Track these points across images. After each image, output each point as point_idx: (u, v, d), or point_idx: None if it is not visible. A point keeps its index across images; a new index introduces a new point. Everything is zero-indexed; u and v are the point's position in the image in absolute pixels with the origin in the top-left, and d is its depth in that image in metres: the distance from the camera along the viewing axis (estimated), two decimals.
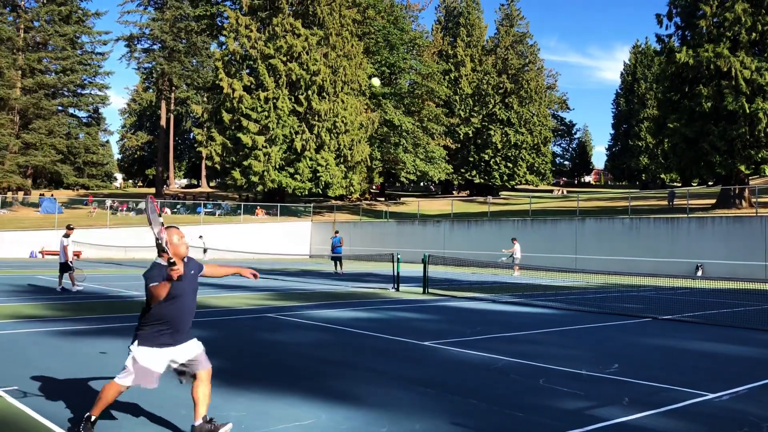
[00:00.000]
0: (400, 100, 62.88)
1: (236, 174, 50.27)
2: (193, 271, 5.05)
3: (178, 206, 53.29)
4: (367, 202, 62.06)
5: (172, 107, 79.11)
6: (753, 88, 33.89)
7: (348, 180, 53.02)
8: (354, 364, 8.34)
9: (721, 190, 38.08)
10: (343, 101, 51.77)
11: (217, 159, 51.68)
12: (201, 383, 5.04)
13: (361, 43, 56.20)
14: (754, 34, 34.96)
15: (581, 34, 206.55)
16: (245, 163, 49.50)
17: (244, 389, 6.78)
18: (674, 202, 40.83)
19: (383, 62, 60.89)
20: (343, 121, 51.34)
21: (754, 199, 34.75)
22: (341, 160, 52.46)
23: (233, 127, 50.63)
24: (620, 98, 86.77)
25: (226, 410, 5.92)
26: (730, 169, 35.71)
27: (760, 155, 34.40)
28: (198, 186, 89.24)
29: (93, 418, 4.97)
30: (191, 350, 5.06)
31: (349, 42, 53.46)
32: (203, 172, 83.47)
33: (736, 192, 36.40)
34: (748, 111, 33.39)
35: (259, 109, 49.47)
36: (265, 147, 49.42)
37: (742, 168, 35.20)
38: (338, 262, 28.01)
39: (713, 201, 39.28)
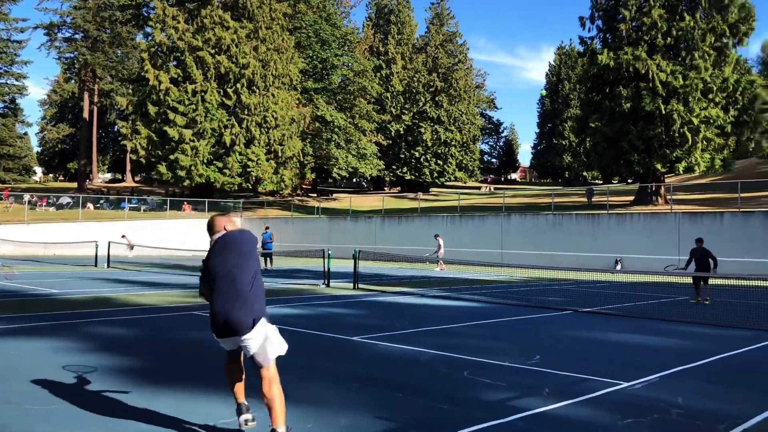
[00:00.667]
0: (332, 95, 62.71)
1: (162, 168, 48.99)
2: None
3: (102, 201, 51.49)
4: (299, 198, 61.66)
5: (96, 99, 76.31)
6: (668, 90, 35.48)
7: (279, 175, 52.51)
8: (281, 361, 8.30)
9: (639, 187, 39.72)
10: (273, 95, 51.21)
11: (142, 153, 50.22)
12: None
13: (292, 38, 55.70)
14: (669, 39, 36.59)
15: (509, 35, 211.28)
16: (172, 157, 48.30)
17: (168, 388, 6.67)
18: (593, 200, 42.28)
19: (315, 57, 60.57)
20: (273, 116, 50.79)
21: (669, 197, 36.45)
22: (272, 156, 51.89)
23: (159, 120, 49.31)
24: (545, 98, 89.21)
25: (152, 408, 5.81)
26: (648, 167, 37.29)
27: (674, 154, 36.06)
28: (123, 180, 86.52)
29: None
30: None
31: (280, 36, 52.90)
32: (128, 166, 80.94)
33: (653, 189, 38.05)
34: (664, 112, 34.94)
35: (187, 102, 48.36)
36: (193, 141, 48.37)
37: (659, 166, 36.81)
38: (268, 259, 27.75)
39: (632, 198, 40.94)
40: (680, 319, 13.14)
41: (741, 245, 25.65)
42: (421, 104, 72.95)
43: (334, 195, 69.09)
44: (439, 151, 72.84)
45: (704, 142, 36.02)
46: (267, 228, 29.63)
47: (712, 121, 35.69)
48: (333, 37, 61.33)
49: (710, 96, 35.79)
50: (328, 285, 19.46)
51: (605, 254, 29.39)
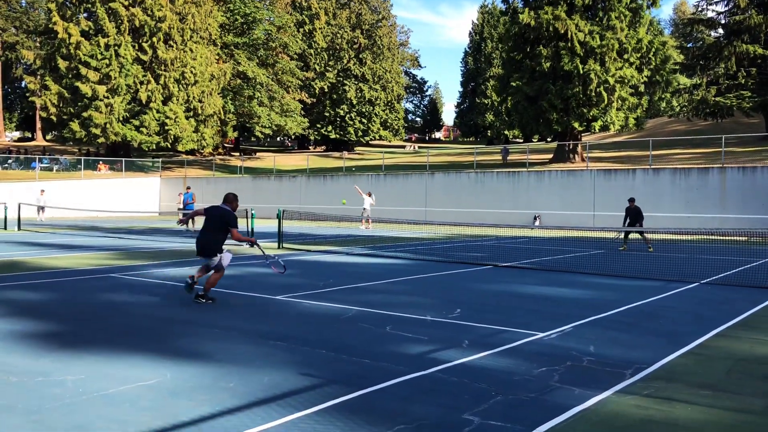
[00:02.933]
0: (253, 51, 61.06)
1: (75, 126, 46.75)
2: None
3: (10, 161, 48.75)
4: (221, 157, 60.27)
5: (0, 52, 71.60)
6: (586, 50, 36.36)
7: (199, 134, 51.06)
8: (203, 321, 8.22)
9: (557, 146, 40.88)
10: (191, 50, 49.42)
11: (53, 110, 47.71)
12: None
13: None
14: None
15: None
16: (85, 114, 46.12)
17: (85, 352, 6.48)
18: (512, 158, 43.26)
19: (235, 11, 58.63)
20: (192, 72, 49.10)
21: (585, 154, 37.69)
22: (191, 113, 50.32)
23: (71, 76, 46.83)
24: (468, 57, 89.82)
25: (62, 375, 5.65)
26: (566, 126, 38.36)
27: (591, 113, 37.19)
28: (33, 139, 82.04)
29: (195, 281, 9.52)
30: None
31: None
32: (38, 124, 76.72)
33: (571, 147, 39.24)
34: (581, 72, 35.85)
35: (99, 57, 46.05)
36: (107, 97, 46.27)
37: (576, 125, 37.91)
38: (190, 219, 27.11)
39: (551, 156, 42.11)
40: (594, 271, 13.75)
41: (651, 201, 26.91)
42: (345, 61, 72.11)
43: (258, 154, 67.93)
44: (364, 110, 72.50)
45: (619, 102, 37.26)
46: (188, 188, 28.91)
47: (626, 80, 36.91)
48: None
49: (625, 56, 36.92)
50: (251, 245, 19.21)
51: (525, 211, 30.26)
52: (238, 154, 67.88)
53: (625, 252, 18.42)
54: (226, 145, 67.90)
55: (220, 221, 9.29)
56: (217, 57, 54.41)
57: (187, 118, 49.69)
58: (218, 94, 52.72)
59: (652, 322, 8.38)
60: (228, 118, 57.12)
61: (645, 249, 18.63)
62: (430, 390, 5.38)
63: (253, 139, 77.74)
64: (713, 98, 42.92)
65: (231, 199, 9.56)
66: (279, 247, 18.60)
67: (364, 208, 29.13)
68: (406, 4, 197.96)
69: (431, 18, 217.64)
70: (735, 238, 23.31)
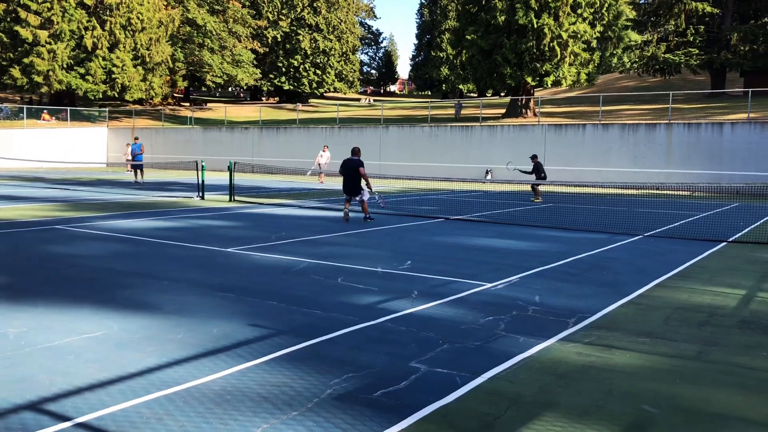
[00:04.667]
0: None
1: (16, 72, 44.68)
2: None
3: None
4: (170, 107, 58.67)
5: None
6: (540, 3, 36.21)
7: (147, 83, 49.45)
8: (152, 273, 8.12)
9: (510, 100, 41.04)
10: None
11: None
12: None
13: None
14: None
15: None
16: (26, 60, 44.05)
17: (27, 305, 6.35)
18: (464, 113, 43.27)
19: None
20: (139, 18, 47.22)
21: (537, 109, 37.98)
22: (139, 61, 48.61)
23: (9, 19, 44.50)
24: (424, 9, 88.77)
25: (3, 327, 5.53)
26: (519, 80, 38.42)
27: (544, 68, 37.29)
28: None
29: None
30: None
31: None
32: None
33: (523, 102, 39.44)
34: (535, 26, 35.80)
35: (40, 0, 43.86)
36: (50, 43, 44.24)
37: (529, 80, 38.01)
38: (138, 171, 26.51)
39: (503, 111, 42.30)
40: (541, 224, 14.02)
41: (600, 156, 27.42)
42: (298, 10, 70.39)
43: (209, 105, 66.37)
44: (318, 61, 71.20)
45: (572, 57, 37.43)
46: (137, 139, 28.14)
47: (579, 36, 37.02)
48: None
49: (579, 11, 36.96)
50: (202, 198, 18.96)
51: (477, 165, 30.48)
52: (188, 104, 66.21)
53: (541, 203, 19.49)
54: (176, 95, 66.05)
55: (356, 168, 13.76)
56: (165, 2, 52.43)
57: (134, 66, 47.99)
58: (167, 41, 50.99)
59: (596, 273, 8.63)
60: (178, 67, 55.42)
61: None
62: (378, 339, 5.46)
63: (204, 89, 75.76)
64: (663, 55, 43.60)
65: (357, 151, 14.43)
66: (230, 200, 18.38)
67: (319, 163, 28.80)
68: None
69: None
70: (680, 192, 24.01)
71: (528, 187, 21.97)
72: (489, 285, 7.68)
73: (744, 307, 6.92)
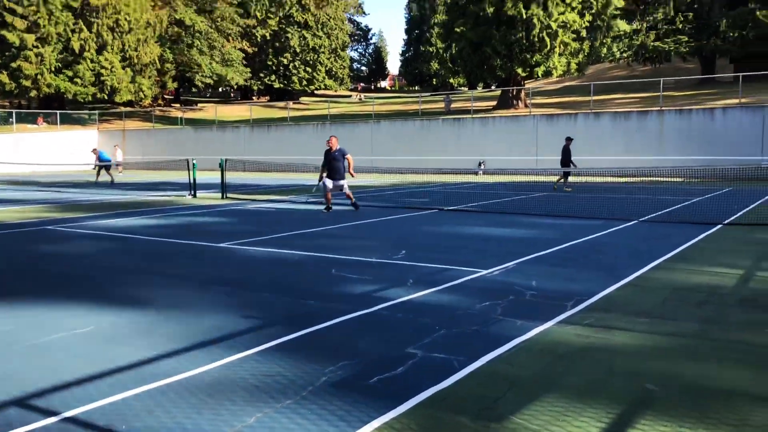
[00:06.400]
0: None
1: (4, 78, 44.36)
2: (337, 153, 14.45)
3: None
4: (161, 108, 58.35)
5: None
6: None
7: (137, 84, 49.18)
8: (144, 269, 8.00)
9: (501, 92, 40.97)
10: None
11: None
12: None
13: None
14: None
15: None
16: (14, 65, 43.75)
17: (17, 303, 6.23)
18: (456, 106, 43.13)
19: None
20: (126, 19, 46.93)
21: (528, 100, 37.92)
22: (128, 63, 48.33)
23: None
24: (412, 4, 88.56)
25: (2, 324, 5.42)
26: (509, 72, 38.35)
27: (534, 59, 37.22)
28: None
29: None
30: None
31: None
32: None
33: (514, 94, 39.38)
34: (525, 17, 35.71)
35: (26, 3, 43.51)
36: (37, 47, 43.93)
37: (519, 71, 37.96)
38: (105, 170, 26.26)
39: (495, 103, 42.21)
40: (537, 212, 13.95)
41: (593, 144, 27.36)
42: (287, 8, 70.09)
43: (199, 105, 66.05)
44: (308, 58, 70.95)
45: (561, 47, 37.36)
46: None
47: (569, 25, 36.95)
48: None
49: (568, 1, 36.91)
50: (194, 195, 18.82)
51: (470, 157, 30.40)
52: (178, 105, 65.89)
53: (571, 192, 18.93)
54: (166, 96, 65.73)
55: (343, 155, 14.61)
56: (152, 3, 52.12)
57: (123, 68, 47.72)
58: (155, 42, 50.71)
59: (593, 258, 8.55)
60: (167, 68, 55.11)
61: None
62: (374, 327, 5.37)
63: (194, 89, 75.42)
64: (652, 43, 43.59)
65: (336, 140, 14.95)
66: (222, 197, 18.25)
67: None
68: None
69: None
70: (672, 179, 23.99)
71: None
72: (485, 272, 7.59)
73: (743, 286, 6.86)
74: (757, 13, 40.86)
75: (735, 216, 12.72)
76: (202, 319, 5.58)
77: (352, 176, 14.89)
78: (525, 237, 10.52)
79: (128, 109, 53.23)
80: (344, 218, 13.23)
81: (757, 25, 40.68)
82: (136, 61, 48.29)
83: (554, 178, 21.97)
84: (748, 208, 14.04)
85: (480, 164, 29.92)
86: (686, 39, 42.84)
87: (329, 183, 14.40)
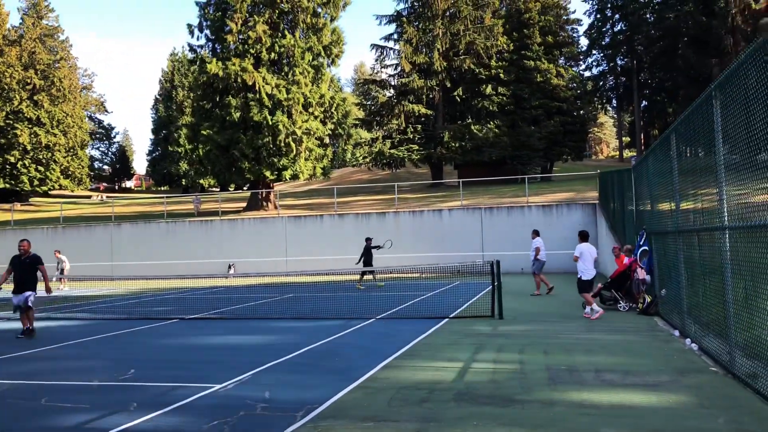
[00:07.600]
0: None
1: None
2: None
3: None
4: None
5: None
6: (274, 102, 37.67)
7: None
8: None
9: (251, 194, 41.40)
10: None
11: None
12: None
13: None
14: (273, 54, 38.87)
15: (122, 35, 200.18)
16: None
17: None
18: (203, 207, 42.58)
19: None
20: None
21: (278, 202, 38.75)
22: None
23: None
24: (159, 104, 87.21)
25: None
26: (258, 174, 39.05)
27: (281, 162, 38.45)
28: None
29: None
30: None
31: None
32: None
33: (263, 195, 40.01)
34: (270, 123, 36.98)
35: None
36: None
37: (268, 174, 38.82)
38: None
39: (245, 204, 42.42)
40: (280, 316, 13.94)
41: (337, 244, 28.51)
42: (16, 103, 64.54)
43: None
44: (41, 157, 65.33)
45: (307, 152, 39.16)
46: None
47: (312, 132, 39.01)
48: None
49: (310, 110, 39.09)
50: None
51: (219, 259, 29.84)
52: None
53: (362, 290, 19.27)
54: None
55: (38, 262, 12.05)
56: None
57: None
58: None
59: (329, 361, 8.67)
60: None
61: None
62: None
63: None
64: (388, 150, 47.78)
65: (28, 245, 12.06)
66: None
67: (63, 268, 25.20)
68: (96, 46, 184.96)
69: (122, 60, 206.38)
70: (408, 275, 25.76)
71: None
72: (218, 386, 7.27)
73: (460, 380, 7.39)
74: (472, 126, 47.12)
75: (459, 309, 13.92)
76: None
77: (48, 293, 12.31)
78: (266, 343, 10.38)
79: None
80: (69, 335, 11.96)
81: (472, 137, 46.82)
82: None
83: (301, 279, 22.33)
84: (470, 302, 15.47)
85: (230, 267, 29.45)
86: (417, 147, 47.69)
87: (16, 299, 11.77)
